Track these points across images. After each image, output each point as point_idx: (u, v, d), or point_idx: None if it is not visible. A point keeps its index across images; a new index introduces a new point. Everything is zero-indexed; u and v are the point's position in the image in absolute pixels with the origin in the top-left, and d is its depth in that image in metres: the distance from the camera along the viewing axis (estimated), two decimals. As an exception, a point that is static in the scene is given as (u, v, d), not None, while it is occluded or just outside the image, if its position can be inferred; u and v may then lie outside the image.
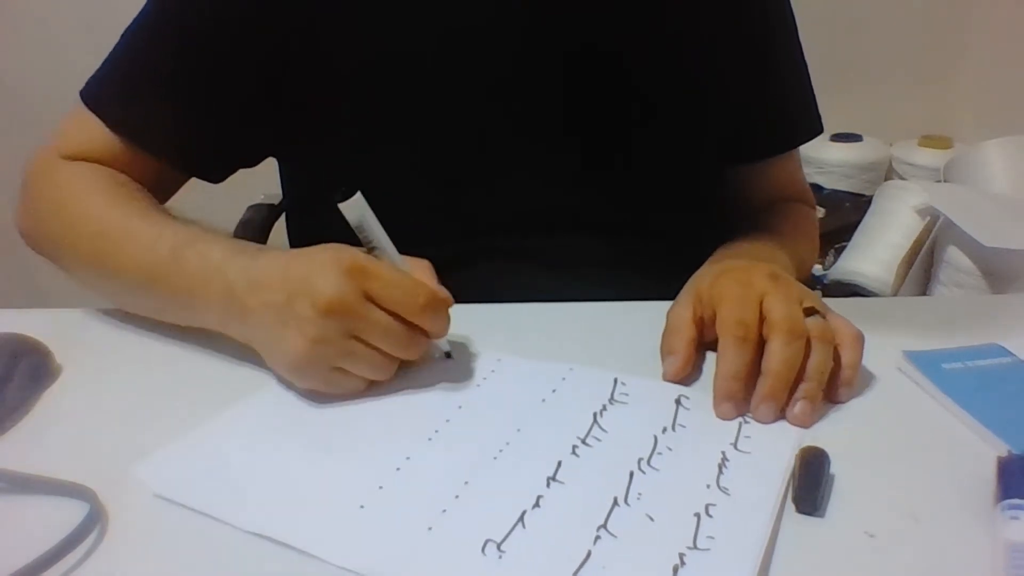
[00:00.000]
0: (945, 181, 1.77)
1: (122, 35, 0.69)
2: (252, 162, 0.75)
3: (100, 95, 0.69)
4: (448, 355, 0.59)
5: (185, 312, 0.59)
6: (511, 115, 0.70)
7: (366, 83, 0.69)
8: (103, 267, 0.62)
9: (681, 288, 0.64)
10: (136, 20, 0.69)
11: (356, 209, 0.53)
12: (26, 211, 0.69)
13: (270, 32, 0.67)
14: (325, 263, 0.52)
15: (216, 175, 0.74)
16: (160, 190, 0.72)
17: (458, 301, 0.67)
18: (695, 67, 0.73)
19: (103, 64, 0.70)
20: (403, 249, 0.55)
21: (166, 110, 0.68)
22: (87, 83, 0.70)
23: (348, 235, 0.54)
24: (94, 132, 0.68)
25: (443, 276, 0.64)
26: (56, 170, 0.69)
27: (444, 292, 0.55)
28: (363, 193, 0.54)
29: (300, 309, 0.51)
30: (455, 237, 0.72)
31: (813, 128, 0.83)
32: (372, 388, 0.55)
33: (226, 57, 0.67)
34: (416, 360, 0.56)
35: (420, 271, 0.56)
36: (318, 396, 0.54)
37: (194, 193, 0.76)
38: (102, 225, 0.63)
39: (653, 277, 0.65)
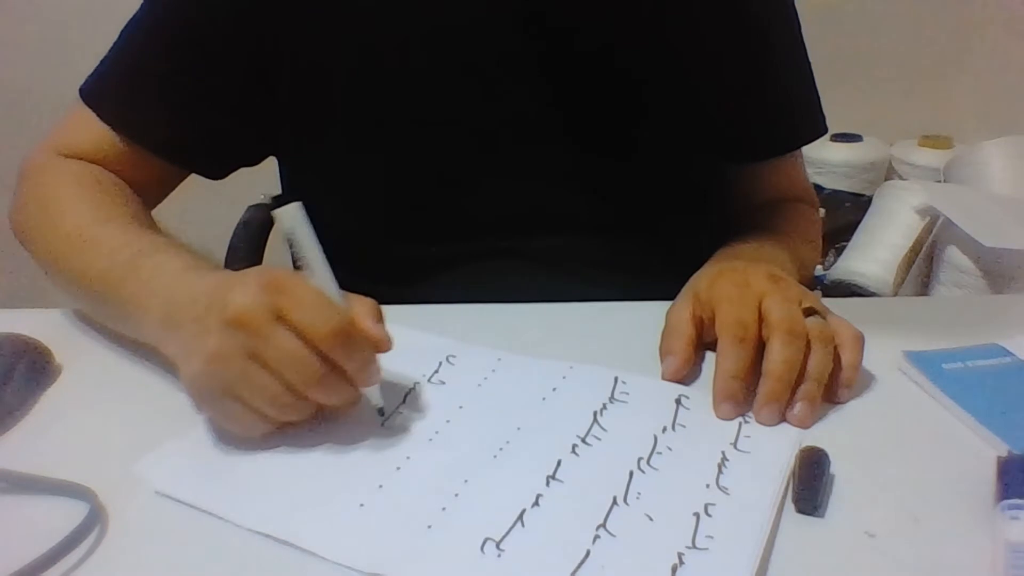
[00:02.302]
0: (945, 181, 1.78)
1: (120, 32, 0.70)
2: (253, 160, 0.75)
3: (99, 92, 0.69)
4: (380, 412, 0.51)
5: (129, 323, 0.57)
6: (507, 115, 0.70)
7: (358, 83, 0.69)
8: (68, 270, 0.61)
9: (680, 288, 0.64)
10: (134, 18, 0.69)
11: (288, 219, 0.48)
12: (15, 206, 0.69)
13: (260, 32, 0.67)
14: (248, 276, 0.48)
15: (215, 172, 0.74)
16: (157, 187, 0.72)
17: (458, 301, 0.67)
18: (694, 67, 0.73)
19: (102, 61, 0.70)
20: (404, 250, 0.53)
21: (163, 107, 0.69)
22: (86, 80, 0.70)
23: (348, 236, 0.53)
24: (93, 129, 0.69)
25: (442, 276, 0.64)
26: (47, 167, 0.69)
27: (377, 331, 0.48)
28: (361, 195, 0.53)
29: (210, 321, 0.47)
30: (454, 237, 0.72)
31: (816, 129, 0.83)
32: (284, 432, 0.49)
33: (218, 56, 0.68)
34: (339, 410, 0.50)
35: (360, 305, 0.49)
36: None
37: (194, 193, 0.76)
38: (74, 227, 0.62)
39: (652, 277, 0.65)
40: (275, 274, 0.48)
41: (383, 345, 0.48)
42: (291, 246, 0.49)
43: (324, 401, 0.48)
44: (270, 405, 0.47)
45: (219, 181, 0.75)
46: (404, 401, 0.55)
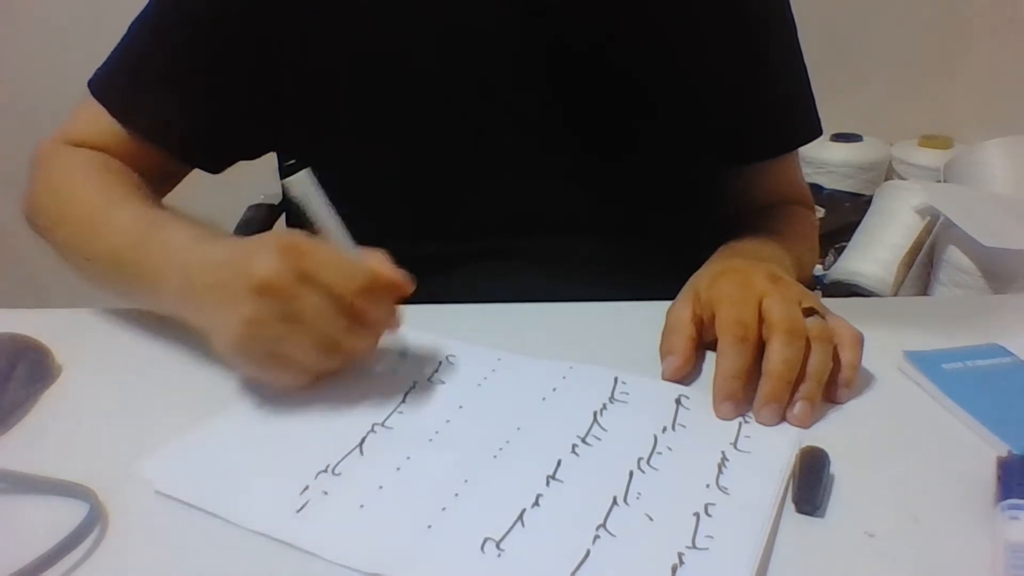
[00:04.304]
0: (945, 181, 1.77)
1: (128, 27, 0.71)
2: (252, 155, 0.76)
3: (106, 85, 0.71)
4: (402, 354, 0.57)
5: (147, 296, 0.60)
6: (508, 115, 0.70)
7: (361, 82, 0.69)
8: (82, 251, 0.64)
9: (680, 288, 0.64)
10: (142, 13, 0.71)
11: (300, 187, 0.52)
12: (28, 194, 0.71)
13: (263, 32, 0.68)
14: (265, 243, 0.51)
15: (215, 166, 0.75)
16: (161, 180, 0.73)
17: (456, 301, 0.67)
18: (693, 69, 0.73)
19: (111, 55, 0.72)
20: (403, 249, 0.54)
21: (167, 101, 0.70)
22: (95, 73, 0.72)
23: (351, 235, 0.54)
24: (100, 121, 0.70)
25: (442, 276, 0.64)
26: (56, 156, 0.71)
27: (396, 275, 0.52)
28: (362, 193, 0.54)
29: (237, 289, 0.50)
30: (454, 237, 0.72)
31: (812, 131, 0.83)
32: (319, 383, 0.53)
33: (221, 55, 0.69)
34: (367, 356, 0.54)
35: (372, 257, 0.53)
36: (282, 389, 0.53)
37: (194, 193, 0.77)
38: (84, 211, 0.65)
39: (651, 277, 0.65)
40: (291, 239, 0.51)
41: (405, 288, 0.52)
42: (305, 212, 0.52)
43: (354, 347, 0.52)
44: (308, 358, 0.51)
45: (220, 181, 0.75)
46: (404, 401, 0.55)
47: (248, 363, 0.52)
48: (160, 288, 0.57)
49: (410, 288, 0.52)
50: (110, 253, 0.61)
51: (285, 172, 0.52)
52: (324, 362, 0.52)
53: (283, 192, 0.51)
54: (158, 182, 0.72)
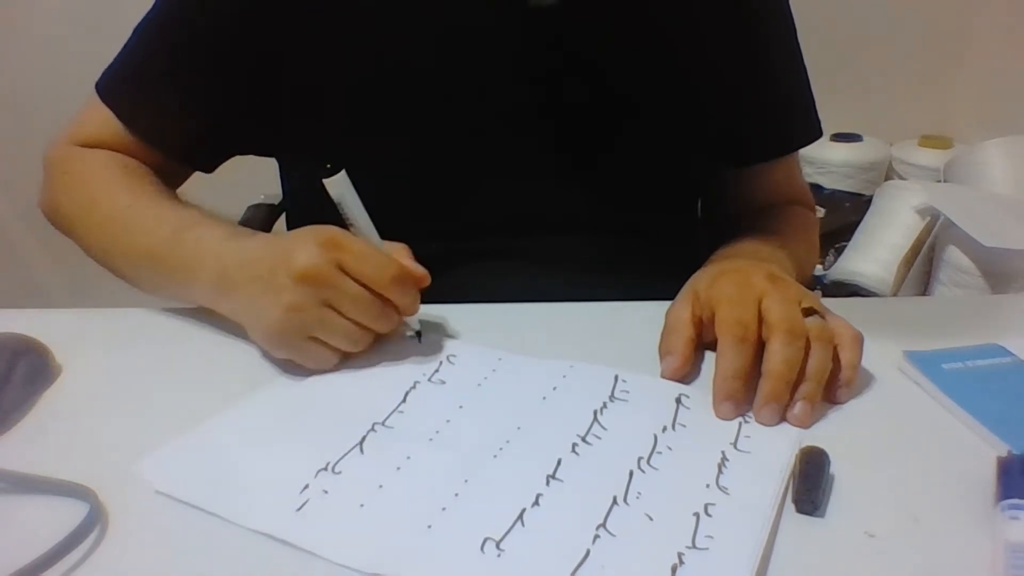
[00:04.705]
0: (945, 181, 1.77)
1: (135, 29, 0.72)
2: (244, 153, 0.77)
3: (111, 87, 0.72)
4: (418, 335, 0.61)
5: (182, 289, 0.63)
6: (508, 116, 0.70)
7: (361, 82, 0.69)
8: (111, 249, 0.67)
9: (678, 288, 0.64)
10: (147, 15, 0.71)
11: (337, 186, 0.56)
12: (45, 195, 0.73)
13: (264, 31, 0.68)
14: (304, 237, 0.55)
15: (212, 167, 0.76)
16: (168, 179, 0.74)
17: (453, 301, 0.67)
18: (693, 69, 0.73)
19: (117, 56, 0.73)
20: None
21: (168, 105, 0.70)
22: (102, 74, 0.73)
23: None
24: (107, 122, 0.72)
25: (442, 276, 0.64)
26: (71, 158, 0.72)
27: (418, 269, 0.57)
28: (362, 193, 0.55)
29: (278, 278, 0.54)
30: (454, 237, 0.72)
31: (812, 132, 0.83)
32: (346, 361, 0.57)
33: (221, 56, 0.69)
34: (387, 335, 0.59)
35: (397, 251, 0.58)
36: (299, 369, 0.57)
37: (194, 194, 0.77)
38: (110, 211, 0.67)
39: (651, 277, 0.65)
40: (328, 233, 0.55)
41: (425, 281, 0.58)
42: (340, 209, 0.57)
43: (382, 331, 0.57)
44: (344, 340, 0.56)
45: (220, 181, 0.76)
46: (404, 401, 0.55)
47: (286, 346, 0.56)
48: (194, 283, 0.61)
49: (428, 280, 0.58)
50: (142, 250, 0.64)
51: (323, 173, 0.56)
52: (355, 344, 0.56)
53: (317, 189, 0.56)
54: (168, 178, 0.73)
